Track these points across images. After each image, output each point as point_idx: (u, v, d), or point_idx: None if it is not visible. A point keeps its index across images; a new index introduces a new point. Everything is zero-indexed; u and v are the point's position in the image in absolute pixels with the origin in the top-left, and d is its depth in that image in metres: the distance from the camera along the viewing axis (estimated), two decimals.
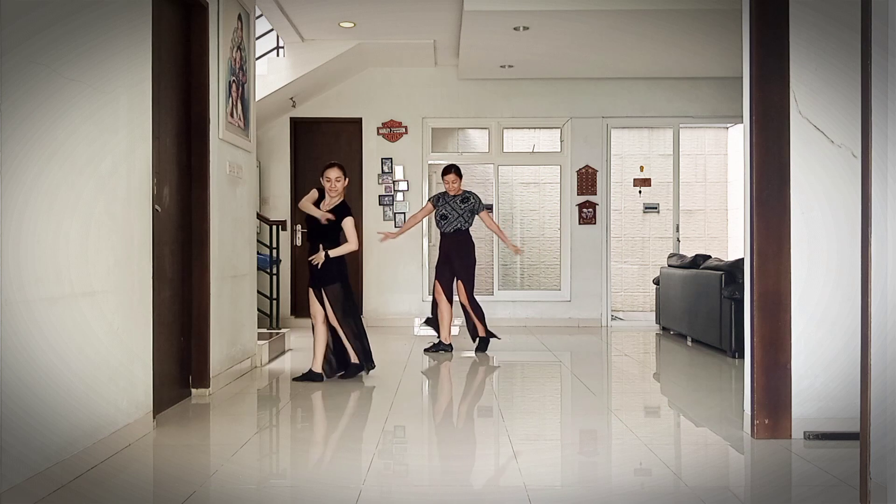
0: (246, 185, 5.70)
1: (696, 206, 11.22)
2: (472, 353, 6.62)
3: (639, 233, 11.18)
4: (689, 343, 7.30)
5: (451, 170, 6.62)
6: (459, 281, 6.66)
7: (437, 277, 6.72)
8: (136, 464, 3.33)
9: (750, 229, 3.76)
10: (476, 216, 6.68)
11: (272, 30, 7.93)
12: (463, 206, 6.60)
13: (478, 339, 6.72)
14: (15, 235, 2.68)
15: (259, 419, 4.49)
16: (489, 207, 9.35)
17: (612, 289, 9.28)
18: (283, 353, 6.67)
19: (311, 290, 5.23)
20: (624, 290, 11.07)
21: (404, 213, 8.83)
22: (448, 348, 6.68)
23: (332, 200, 5.23)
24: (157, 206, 4.07)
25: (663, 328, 8.28)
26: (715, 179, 11.35)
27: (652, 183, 10.25)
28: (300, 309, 8.85)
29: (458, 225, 6.60)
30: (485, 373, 5.93)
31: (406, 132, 8.90)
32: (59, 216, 2.97)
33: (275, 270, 7.74)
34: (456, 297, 6.74)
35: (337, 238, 5.19)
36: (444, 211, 6.64)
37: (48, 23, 2.90)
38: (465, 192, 6.66)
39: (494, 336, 6.75)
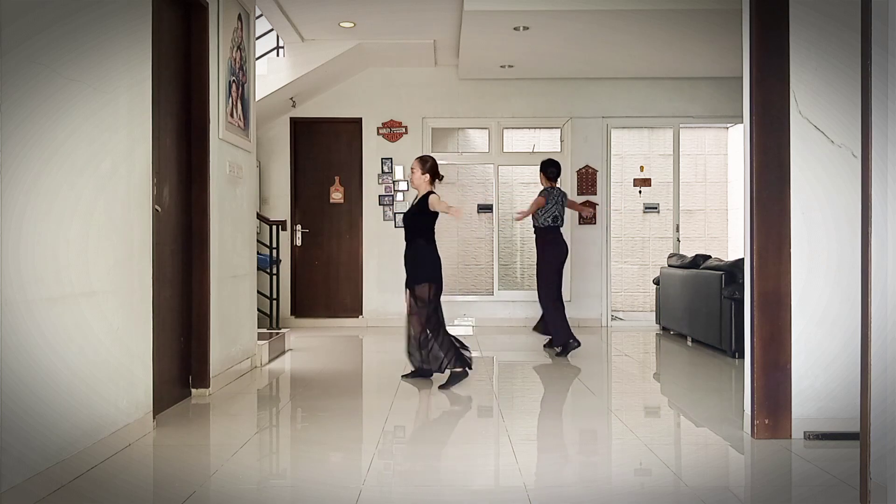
0: (246, 185, 5.70)
1: (696, 206, 11.21)
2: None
3: (639, 233, 11.17)
4: (690, 343, 7.29)
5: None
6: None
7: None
8: (136, 464, 3.33)
9: (750, 229, 3.76)
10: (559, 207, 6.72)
11: (272, 30, 7.93)
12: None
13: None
14: (15, 235, 2.68)
15: (259, 419, 4.49)
16: (489, 208, 9.35)
17: (612, 289, 9.27)
18: (283, 353, 6.66)
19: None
20: (624, 290, 11.06)
21: (405, 213, 8.80)
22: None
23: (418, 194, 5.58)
24: (157, 207, 4.08)
25: (663, 328, 8.28)
26: (715, 179, 11.34)
27: (652, 183, 10.25)
28: (300, 309, 8.86)
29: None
30: (485, 373, 5.92)
31: (406, 132, 8.89)
32: (59, 216, 2.97)
33: (275, 270, 7.74)
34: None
35: (420, 226, 5.49)
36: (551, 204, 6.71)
37: (48, 23, 2.90)
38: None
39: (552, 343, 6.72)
